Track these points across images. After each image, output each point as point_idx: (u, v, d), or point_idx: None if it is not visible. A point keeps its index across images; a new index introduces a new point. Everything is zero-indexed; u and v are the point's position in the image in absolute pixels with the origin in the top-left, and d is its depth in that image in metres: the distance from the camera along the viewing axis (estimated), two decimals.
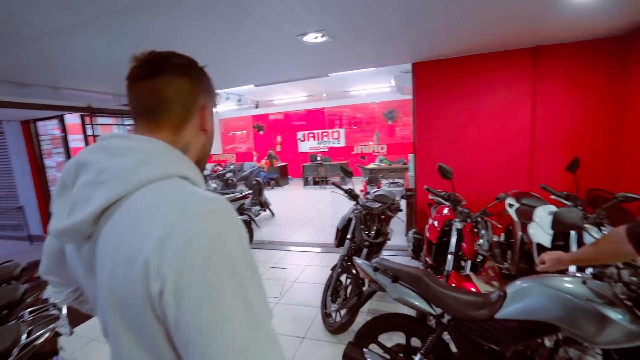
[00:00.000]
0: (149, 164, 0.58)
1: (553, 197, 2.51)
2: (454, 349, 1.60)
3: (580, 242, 2.15)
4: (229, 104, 8.94)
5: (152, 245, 0.49)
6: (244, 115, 11.99)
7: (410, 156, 4.15)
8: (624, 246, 1.02)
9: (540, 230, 2.46)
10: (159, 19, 2.15)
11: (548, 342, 1.45)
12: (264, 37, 2.67)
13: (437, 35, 2.90)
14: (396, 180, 8.08)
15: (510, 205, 3.05)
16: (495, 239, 3.21)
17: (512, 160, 3.68)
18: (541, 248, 2.42)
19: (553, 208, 2.49)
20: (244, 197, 4.50)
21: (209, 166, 9.96)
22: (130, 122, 6.07)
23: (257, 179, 6.99)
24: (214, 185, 7.84)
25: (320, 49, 3.08)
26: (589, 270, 1.74)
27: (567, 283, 1.33)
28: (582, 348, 1.33)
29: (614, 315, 1.22)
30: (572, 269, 1.91)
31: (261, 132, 12.57)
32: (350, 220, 2.79)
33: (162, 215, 0.52)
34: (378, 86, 7.57)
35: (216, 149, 11.99)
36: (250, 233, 4.72)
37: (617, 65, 3.23)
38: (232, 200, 4.38)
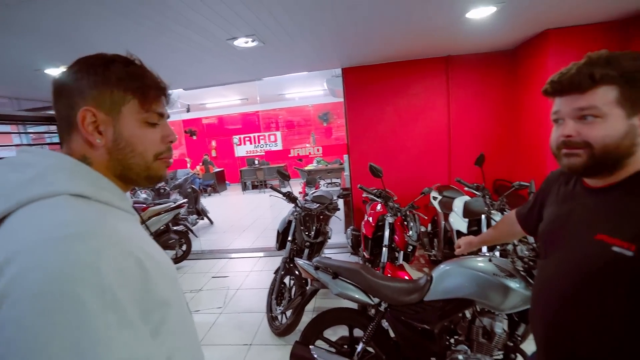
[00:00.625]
0: (37, 181, 0.53)
1: (467, 188, 2.87)
2: (392, 334, 1.75)
3: (489, 226, 2.50)
4: None
5: None
6: (174, 120, 11.29)
7: (345, 157, 4.34)
8: (515, 227, 1.23)
9: (458, 219, 2.78)
10: (69, 14, 1.96)
11: (468, 315, 1.67)
12: (193, 40, 2.58)
13: (361, 43, 3.10)
14: (334, 181, 8.34)
15: (434, 198, 3.39)
16: (423, 229, 3.54)
17: (435, 157, 4.09)
18: (460, 234, 2.74)
19: (467, 198, 2.84)
20: (179, 206, 4.26)
21: None
22: (35, 129, 5.33)
23: (193, 186, 6.64)
24: (144, 195, 7.26)
25: (252, 53, 3.08)
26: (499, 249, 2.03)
27: (478, 262, 1.56)
28: (492, 316, 1.56)
29: (514, 284, 1.46)
30: (485, 249, 2.22)
31: (194, 137, 11.96)
32: (290, 222, 2.84)
33: (13, 239, 0.47)
34: (312, 89, 7.73)
35: None
36: (188, 244, 4.49)
37: (510, 75, 3.81)
38: (166, 211, 4.12)
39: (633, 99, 0.72)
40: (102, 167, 0.62)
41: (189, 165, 8.81)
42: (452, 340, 1.67)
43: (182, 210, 4.87)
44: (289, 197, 2.81)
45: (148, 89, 0.63)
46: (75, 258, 0.45)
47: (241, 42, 2.71)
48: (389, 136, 4.13)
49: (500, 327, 1.54)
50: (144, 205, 5.26)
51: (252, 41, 2.71)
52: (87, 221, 0.50)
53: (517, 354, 1.56)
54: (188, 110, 9.96)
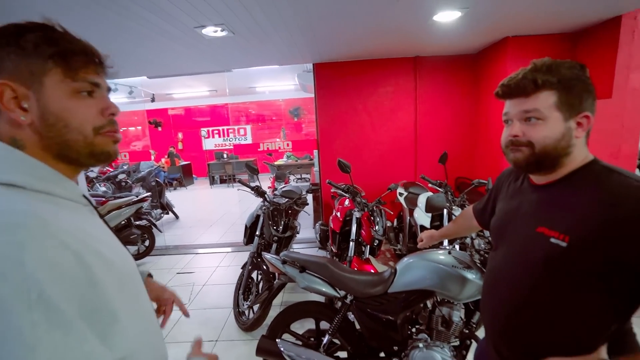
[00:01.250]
0: None
1: (430, 185, 2.99)
2: (358, 325, 1.79)
3: (450, 221, 2.63)
4: (118, 96, 7.88)
5: None
6: (137, 109, 10.74)
7: (315, 152, 4.36)
8: (472, 221, 1.30)
9: (422, 214, 2.90)
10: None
11: (429, 305, 1.75)
12: (160, 27, 2.47)
13: (332, 39, 3.12)
14: (304, 176, 8.35)
15: (400, 194, 3.50)
16: (389, 224, 3.65)
17: (402, 155, 4.22)
18: (423, 229, 2.86)
19: (430, 194, 2.96)
20: (141, 200, 4.08)
21: (95, 167, 8.66)
22: None
23: (157, 179, 6.38)
24: (103, 189, 6.87)
25: (221, 43, 2.99)
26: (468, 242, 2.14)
27: (438, 255, 1.63)
28: (450, 305, 1.65)
29: (471, 275, 1.55)
30: (446, 242, 2.33)
31: (159, 129, 11.46)
32: (258, 216, 2.82)
33: None
34: (283, 83, 7.66)
35: None
36: (151, 239, 4.31)
37: (473, 77, 3.99)
38: (127, 205, 3.92)
39: (569, 103, 0.78)
40: (37, 148, 0.55)
41: (153, 157, 8.44)
42: (413, 330, 1.74)
43: (145, 204, 4.67)
44: (258, 191, 2.79)
45: (71, 55, 0.56)
46: None
47: (210, 31, 2.62)
48: (358, 133, 4.20)
49: (458, 315, 1.63)
50: (103, 199, 4.98)
51: (222, 30, 2.64)
52: (13, 212, 0.46)
53: (472, 340, 1.66)
54: (153, 100, 9.52)
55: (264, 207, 2.83)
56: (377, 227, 2.63)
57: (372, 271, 2.29)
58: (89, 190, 5.29)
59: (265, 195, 2.83)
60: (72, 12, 2.10)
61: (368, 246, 2.52)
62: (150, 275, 0.96)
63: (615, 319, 0.76)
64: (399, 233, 3.70)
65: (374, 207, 2.67)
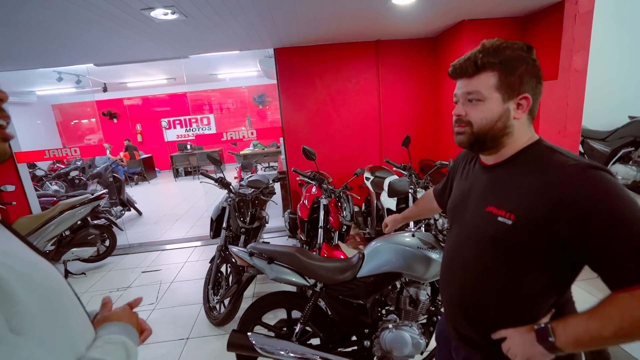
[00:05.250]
0: None
1: (395, 168, 3.04)
2: (329, 312, 1.81)
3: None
4: (65, 86, 7.24)
5: None
6: (86, 100, 9.97)
7: (282, 139, 4.29)
8: (433, 203, 1.34)
9: (388, 198, 2.95)
10: None
11: (397, 286, 1.80)
12: (101, 8, 2.26)
13: (291, 23, 3.02)
14: (271, 164, 8.24)
15: (367, 179, 3.55)
16: (357, 209, 3.70)
17: (367, 139, 4.25)
18: (390, 212, 2.92)
19: (394, 177, 3.02)
20: (98, 197, 3.82)
21: (44, 165, 8.00)
22: None
23: (115, 175, 6.00)
24: (54, 187, 6.40)
25: (174, 27, 2.81)
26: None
27: (404, 237, 1.67)
28: (417, 285, 1.70)
29: (435, 255, 1.60)
30: (412, 224, 2.39)
31: (114, 120, 10.75)
32: (224, 209, 2.74)
33: None
34: (245, 70, 7.38)
35: (54, 142, 9.68)
36: (112, 238, 4.08)
37: (432, 60, 4.07)
38: (82, 204, 3.66)
39: (509, 84, 0.79)
40: None
41: (108, 152, 7.92)
42: (383, 312, 1.79)
43: (103, 202, 4.39)
44: (222, 182, 2.70)
45: None
46: None
47: (159, 14, 2.45)
48: (322, 118, 4.17)
49: (425, 294, 1.69)
50: (54, 199, 4.63)
51: (172, 13, 2.47)
52: None
53: (439, 317, 1.73)
54: (105, 90, 8.86)
55: (229, 199, 2.75)
56: (344, 213, 2.65)
57: (342, 257, 2.32)
58: (37, 190, 4.88)
59: (230, 186, 2.75)
60: None
61: (337, 232, 2.54)
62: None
63: (557, 291, 0.81)
64: (367, 217, 3.76)
65: (341, 193, 2.68)
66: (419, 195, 2.51)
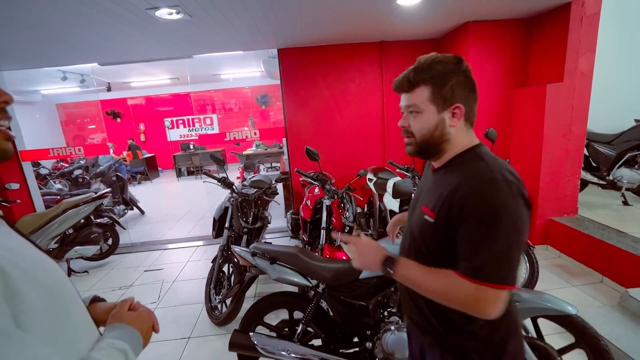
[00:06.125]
0: None
1: (398, 170, 3.04)
2: (331, 313, 1.80)
3: None
4: (69, 85, 7.28)
5: None
6: (90, 99, 10.02)
7: (285, 140, 4.30)
8: None
9: (391, 199, 2.95)
10: None
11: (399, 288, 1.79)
12: (109, 9, 2.28)
13: (296, 23, 3.03)
14: (274, 165, 8.25)
15: (370, 180, 3.54)
16: (360, 210, 3.69)
17: (370, 140, 4.24)
18: (393, 213, 2.91)
19: (398, 179, 3.01)
20: (101, 196, 3.83)
21: (48, 163, 8.04)
22: None
23: (118, 174, 6.03)
24: (58, 186, 6.43)
25: (179, 27, 2.82)
26: None
27: None
28: None
29: None
30: None
31: (118, 120, 10.80)
32: (227, 209, 2.74)
33: None
34: (248, 70, 7.39)
35: (58, 141, 9.74)
36: (115, 237, 4.10)
37: None
38: (85, 202, 3.67)
39: (442, 97, 0.87)
40: None
41: (112, 151, 7.96)
42: (385, 313, 1.78)
43: (106, 201, 4.41)
44: (224, 182, 2.70)
45: None
46: None
47: (164, 14, 2.45)
48: (326, 119, 4.16)
49: None
50: (58, 197, 4.65)
51: (177, 13, 2.48)
52: None
53: None
54: (109, 90, 8.90)
55: (232, 199, 2.76)
56: (347, 214, 2.65)
57: (344, 258, 2.31)
58: (41, 189, 4.91)
59: (233, 186, 2.75)
60: None
61: (339, 233, 2.53)
62: (98, 299, 0.84)
63: None
64: (369, 218, 3.75)
65: (344, 194, 2.68)
66: None
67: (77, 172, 6.56)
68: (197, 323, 2.65)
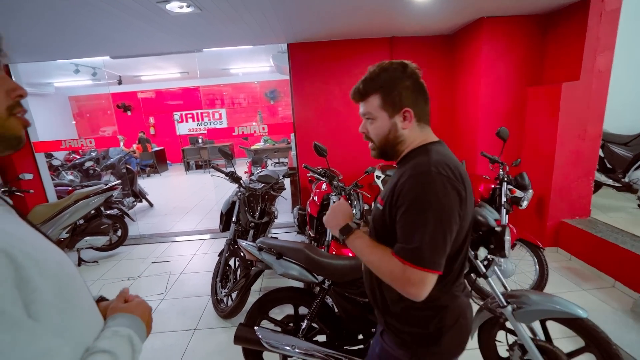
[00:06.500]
0: None
1: None
2: (336, 309, 1.80)
3: None
4: (81, 78, 7.38)
5: None
6: (101, 92, 10.13)
7: (292, 135, 4.29)
8: None
9: None
10: None
11: None
12: (120, 2, 2.28)
13: (306, 18, 3.00)
14: (281, 160, 8.25)
15: (378, 177, 3.51)
16: (367, 207, 3.67)
17: None
18: None
19: None
20: (111, 188, 3.88)
21: (60, 155, 8.18)
22: None
23: (128, 166, 6.11)
24: (70, 177, 6.54)
25: (189, 20, 2.82)
26: None
27: None
28: None
29: None
30: None
31: (128, 113, 10.91)
32: (234, 203, 2.75)
33: None
34: (258, 65, 7.38)
35: (70, 133, 9.89)
36: (124, 228, 4.15)
37: (448, 59, 3.99)
38: (96, 194, 3.73)
39: (390, 103, 0.94)
40: None
41: (122, 143, 8.06)
42: None
43: (116, 193, 4.47)
44: (232, 177, 2.71)
45: None
46: None
47: (174, 7, 2.45)
48: (334, 115, 4.14)
49: None
50: (70, 188, 4.73)
51: (188, 6, 2.47)
52: None
53: None
54: (120, 83, 9.00)
55: (239, 193, 2.76)
56: (354, 211, 2.63)
57: (350, 255, 2.30)
58: (53, 180, 4.99)
59: (241, 181, 2.76)
60: None
61: None
62: (102, 299, 0.85)
63: None
64: None
65: (351, 191, 2.66)
66: None
67: (88, 164, 6.67)
68: (203, 315, 2.68)
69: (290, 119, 4.20)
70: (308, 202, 2.96)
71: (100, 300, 0.79)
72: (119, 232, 4.15)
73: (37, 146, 4.16)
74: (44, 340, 0.46)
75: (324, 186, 2.87)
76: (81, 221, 3.73)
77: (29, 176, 3.84)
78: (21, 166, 3.99)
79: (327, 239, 2.42)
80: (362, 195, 2.84)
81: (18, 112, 0.57)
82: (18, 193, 3.64)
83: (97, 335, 0.61)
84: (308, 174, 3.67)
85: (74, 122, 10.30)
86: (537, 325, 1.59)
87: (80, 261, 3.78)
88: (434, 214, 0.82)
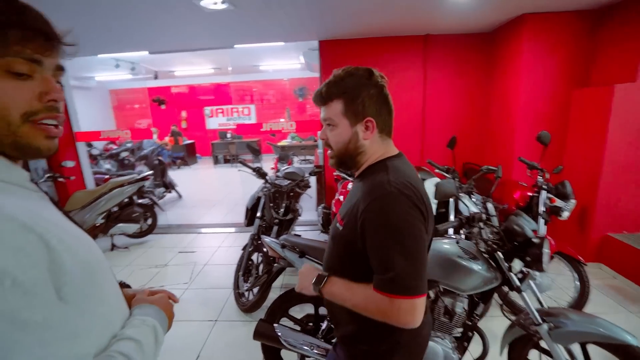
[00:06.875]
0: None
1: (437, 170, 2.89)
2: None
3: (457, 208, 2.55)
4: (121, 73, 7.75)
5: None
6: (139, 86, 10.58)
7: (319, 133, 4.26)
8: None
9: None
10: None
11: (431, 295, 1.70)
12: None
13: (338, 15, 2.96)
14: (307, 157, 8.26)
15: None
16: None
17: (408, 138, 4.09)
18: None
19: (437, 180, 2.87)
20: (143, 179, 4.04)
21: (99, 144, 8.63)
22: None
23: (160, 158, 6.34)
24: (107, 166, 6.87)
25: (223, 17, 2.85)
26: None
27: (444, 244, 1.57)
28: (454, 296, 1.59)
29: (476, 266, 1.49)
30: (451, 231, 2.26)
31: (162, 107, 11.33)
32: (259, 198, 2.76)
33: None
34: (288, 62, 7.42)
35: (109, 124, 10.42)
36: (154, 217, 4.31)
37: (486, 58, 3.80)
38: (129, 183, 3.89)
39: (353, 110, 0.89)
40: None
41: (155, 136, 8.37)
42: None
43: (147, 183, 4.65)
44: (259, 172, 2.72)
45: (5, 27, 0.48)
46: None
47: (209, 3, 2.49)
48: None
49: (461, 306, 1.58)
50: (106, 176, 4.97)
51: (222, 2, 2.50)
52: None
53: (475, 332, 1.62)
54: (156, 77, 9.36)
55: (265, 189, 2.77)
56: None
57: None
58: (92, 167, 5.27)
59: (267, 177, 2.76)
60: None
61: None
62: (123, 285, 0.86)
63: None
64: None
65: None
66: (465, 201, 2.35)
67: (123, 154, 6.97)
68: (225, 307, 2.71)
69: (318, 116, 4.17)
70: (333, 201, 2.92)
71: (121, 286, 0.80)
72: (149, 221, 4.30)
73: (78, 136, 4.40)
74: (73, 323, 0.47)
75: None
76: (115, 208, 3.90)
77: (70, 163, 4.07)
78: (64, 154, 4.23)
79: None
80: None
81: (41, 118, 0.53)
82: (60, 179, 3.86)
83: (122, 320, 0.62)
84: (334, 173, 3.63)
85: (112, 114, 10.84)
86: (575, 347, 1.46)
87: (113, 246, 3.96)
88: (407, 237, 0.79)
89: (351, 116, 0.89)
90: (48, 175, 3.74)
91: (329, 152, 0.97)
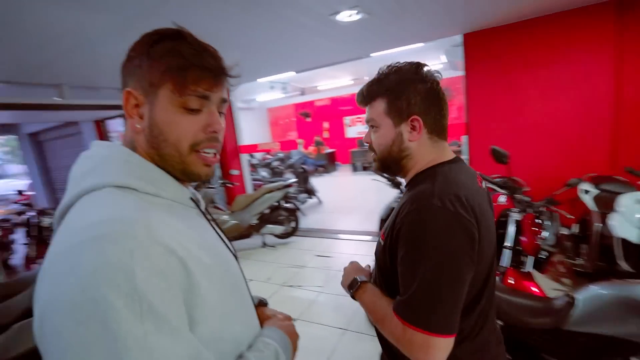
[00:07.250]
0: (90, 174, 0.53)
1: None
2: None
3: None
4: (275, 93, 9.05)
5: (40, 275, 0.45)
6: (286, 103, 12.09)
7: (464, 138, 3.79)
8: None
9: (625, 223, 2.06)
10: (200, 12, 2.14)
11: None
12: (297, 21, 2.55)
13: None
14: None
15: (586, 192, 2.62)
16: (565, 231, 2.80)
17: (588, 138, 3.15)
18: (627, 244, 2.03)
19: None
20: (288, 185, 4.53)
21: (258, 155, 10.26)
22: None
23: (303, 166, 7.01)
24: (263, 173, 8.08)
25: (357, 27, 2.88)
26: None
27: None
28: None
29: None
30: None
31: (308, 119, 12.58)
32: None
33: (57, 241, 0.47)
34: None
35: (265, 138, 12.29)
36: (297, 221, 4.75)
37: None
38: (278, 189, 4.44)
39: (396, 109, 0.81)
40: (144, 154, 0.58)
41: (300, 146, 9.34)
42: None
43: (292, 189, 5.17)
44: (393, 182, 2.59)
45: (183, 69, 0.53)
46: (104, 261, 0.41)
47: (344, 16, 2.54)
48: (520, 113, 3.37)
49: None
50: (261, 183, 5.82)
51: (357, 13, 2.51)
52: (123, 219, 0.46)
53: None
54: (302, 94, 10.48)
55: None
56: (544, 234, 2.02)
57: (535, 289, 1.78)
58: (252, 175, 6.26)
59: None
60: (224, 21, 2.39)
61: (531, 257, 1.96)
62: (262, 303, 0.86)
63: None
64: (580, 243, 2.79)
65: (543, 208, 2.05)
66: None
67: (275, 164, 8.03)
68: (355, 317, 2.68)
69: (461, 119, 3.72)
70: None
71: (259, 304, 0.82)
72: (293, 224, 4.76)
73: (242, 149, 5.30)
74: (196, 351, 0.47)
75: (501, 198, 2.36)
76: (267, 211, 4.49)
77: (236, 172, 4.95)
78: (232, 164, 5.17)
79: (501, 264, 1.95)
80: (559, 215, 2.16)
81: (202, 147, 0.58)
82: (228, 184, 4.73)
83: (251, 339, 0.63)
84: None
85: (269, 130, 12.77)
86: None
87: (264, 244, 4.55)
88: (433, 260, 0.67)
89: (395, 115, 0.81)
90: (221, 182, 4.63)
91: (371, 155, 0.91)
